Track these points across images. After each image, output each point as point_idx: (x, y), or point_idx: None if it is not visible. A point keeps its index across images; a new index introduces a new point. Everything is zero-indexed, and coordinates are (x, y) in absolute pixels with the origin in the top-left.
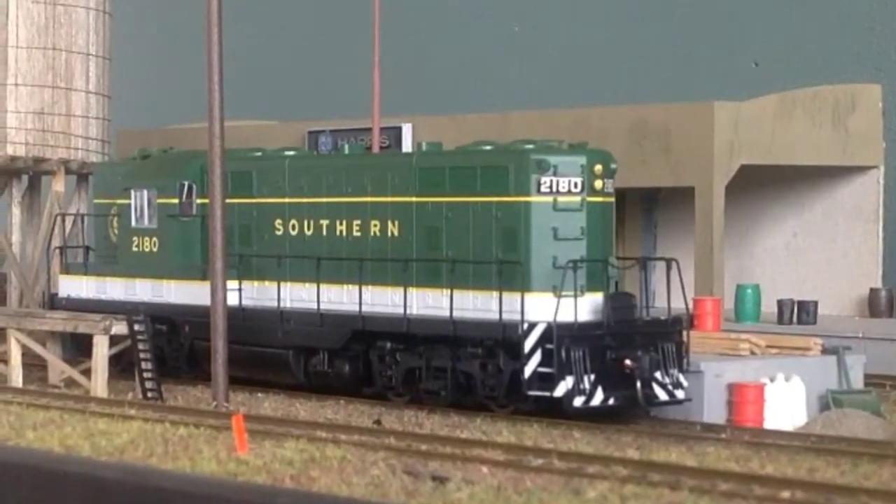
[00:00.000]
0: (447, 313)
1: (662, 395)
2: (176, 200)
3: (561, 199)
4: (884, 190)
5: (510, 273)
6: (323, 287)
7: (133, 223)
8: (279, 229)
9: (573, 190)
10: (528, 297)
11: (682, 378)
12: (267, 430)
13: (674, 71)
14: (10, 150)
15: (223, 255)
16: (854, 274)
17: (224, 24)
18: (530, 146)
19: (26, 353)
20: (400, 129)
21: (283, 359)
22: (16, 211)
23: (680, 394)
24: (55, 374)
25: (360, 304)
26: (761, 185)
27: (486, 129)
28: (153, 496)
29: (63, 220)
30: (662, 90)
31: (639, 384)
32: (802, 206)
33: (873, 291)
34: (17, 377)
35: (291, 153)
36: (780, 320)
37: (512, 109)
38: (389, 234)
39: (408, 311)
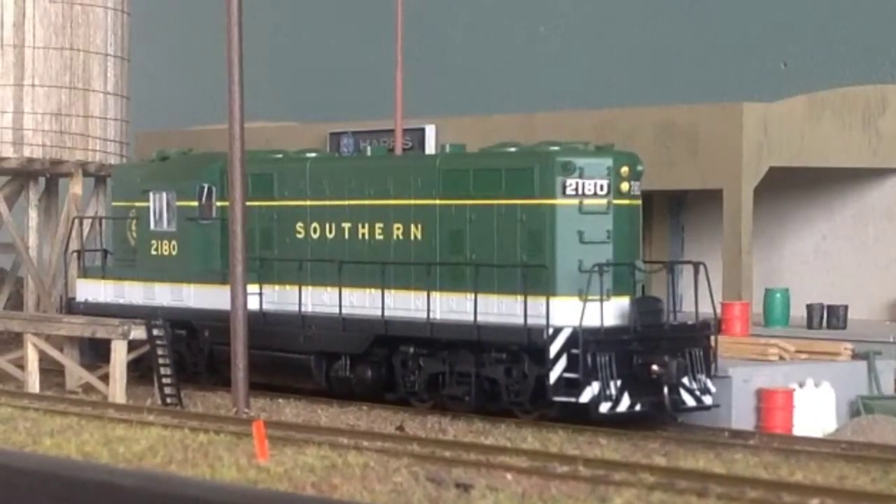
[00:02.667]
0: (471, 318)
1: (690, 401)
2: (195, 203)
3: (587, 201)
4: None
5: (535, 277)
6: (345, 291)
7: (152, 226)
8: (300, 232)
9: (599, 192)
10: (554, 301)
11: (709, 384)
12: (288, 436)
13: (701, 71)
14: (26, 152)
15: (243, 258)
16: (885, 278)
17: (244, 23)
18: (556, 148)
19: (43, 359)
20: (423, 130)
21: (305, 364)
22: (33, 214)
23: (708, 400)
24: (73, 379)
25: (383, 308)
26: (790, 187)
27: (511, 130)
28: None
29: (81, 223)
30: (690, 91)
31: (666, 390)
32: (832, 208)
33: None
34: (34, 383)
35: (313, 155)
36: (810, 325)
37: (537, 110)
38: (412, 237)
39: (431, 316)
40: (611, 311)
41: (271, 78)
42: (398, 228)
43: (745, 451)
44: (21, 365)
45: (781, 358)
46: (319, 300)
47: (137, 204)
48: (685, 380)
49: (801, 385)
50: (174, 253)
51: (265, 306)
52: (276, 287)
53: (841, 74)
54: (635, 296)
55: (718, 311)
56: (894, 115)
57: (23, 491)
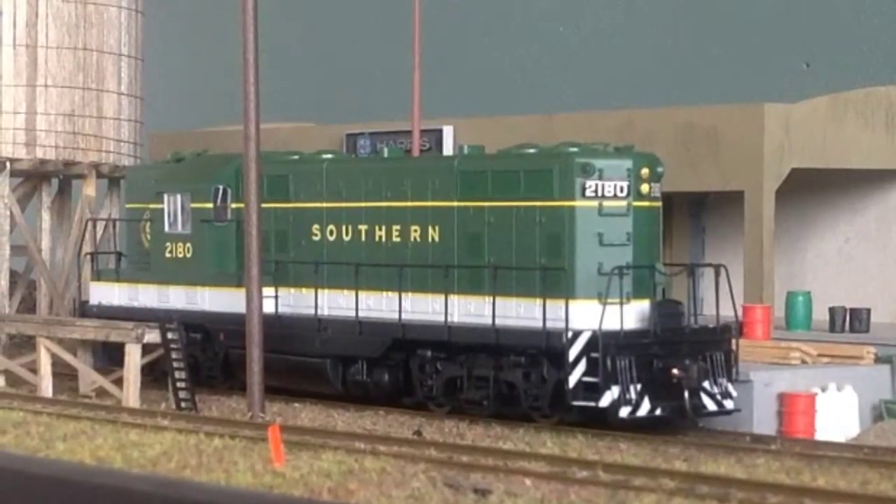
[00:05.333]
0: (489, 321)
1: (711, 406)
2: (210, 205)
3: (606, 203)
4: None
5: (554, 280)
6: (361, 294)
7: (166, 228)
8: (316, 235)
9: (619, 194)
10: (573, 304)
11: (730, 388)
12: (304, 441)
13: (722, 72)
14: (39, 153)
15: (259, 261)
16: None
17: (260, 23)
18: (575, 149)
19: (56, 363)
20: (441, 131)
21: (321, 368)
22: (45, 216)
23: (729, 404)
24: (86, 383)
25: (400, 311)
26: (812, 189)
27: (530, 131)
28: None
29: (94, 226)
30: (711, 91)
31: (686, 394)
32: (855, 210)
33: None
34: (46, 387)
35: (329, 156)
36: (832, 328)
37: (556, 111)
38: (430, 239)
39: (449, 319)
40: (631, 315)
41: (287, 78)
42: (415, 231)
43: (766, 455)
44: (34, 369)
45: (803, 362)
46: (336, 303)
47: (151, 206)
48: (706, 384)
49: (824, 389)
50: (188, 255)
51: (281, 309)
52: (292, 290)
53: (864, 74)
54: (655, 299)
55: (740, 314)
56: None
57: (35, 496)
